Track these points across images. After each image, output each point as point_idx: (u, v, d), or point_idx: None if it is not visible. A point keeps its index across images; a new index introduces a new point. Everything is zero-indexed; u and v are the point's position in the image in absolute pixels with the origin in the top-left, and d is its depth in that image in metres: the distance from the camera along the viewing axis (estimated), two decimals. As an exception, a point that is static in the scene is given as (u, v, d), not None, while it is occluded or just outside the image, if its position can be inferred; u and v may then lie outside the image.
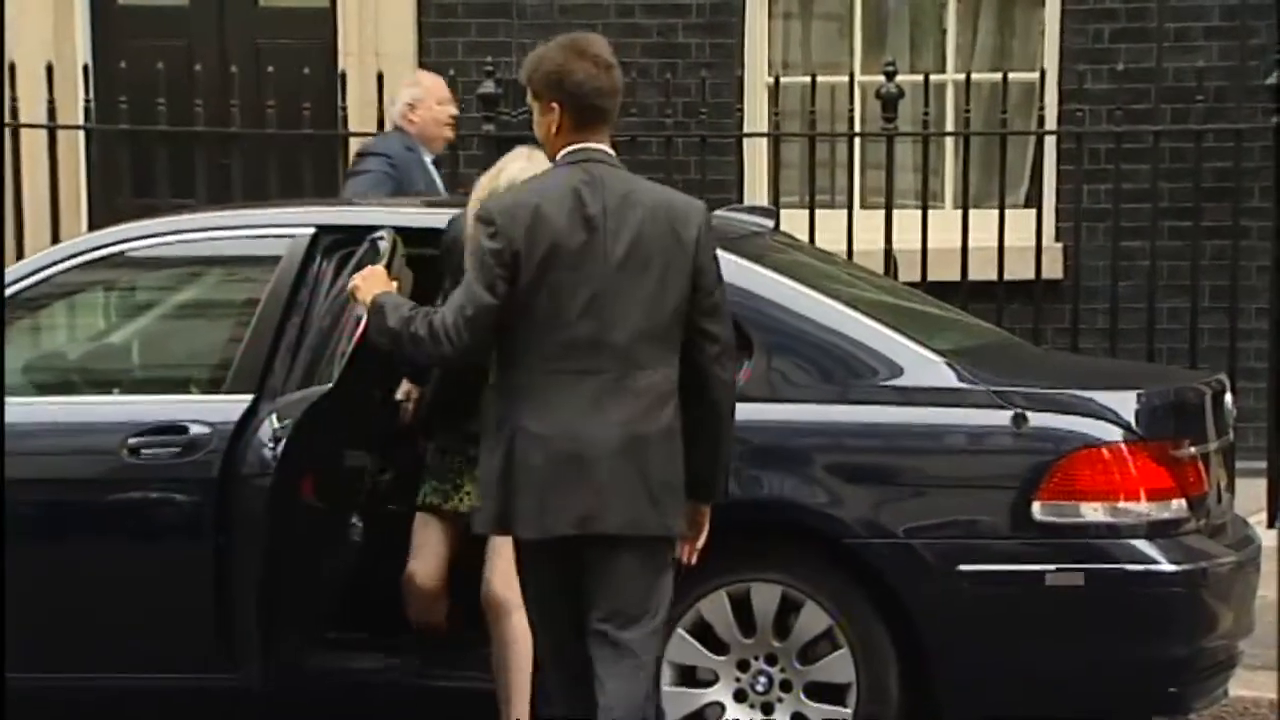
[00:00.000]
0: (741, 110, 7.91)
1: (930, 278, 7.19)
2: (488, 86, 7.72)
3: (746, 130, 7.95)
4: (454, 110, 6.93)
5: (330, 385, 4.52)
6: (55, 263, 5.08)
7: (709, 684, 4.72)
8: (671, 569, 4.05)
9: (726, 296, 4.04)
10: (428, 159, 6.75)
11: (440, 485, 4.79)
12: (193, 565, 4.69)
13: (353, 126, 7.69)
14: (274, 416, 4.66)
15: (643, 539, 3.96)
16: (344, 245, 4.86)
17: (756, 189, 8.26)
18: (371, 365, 4.54)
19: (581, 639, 4.02)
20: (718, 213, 5.64)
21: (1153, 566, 4.54)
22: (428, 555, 4.79)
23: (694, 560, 4.11)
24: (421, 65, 8.33)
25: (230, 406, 4.78)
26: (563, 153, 4.03)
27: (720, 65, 8.32)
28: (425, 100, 6.78)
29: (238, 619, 4.64)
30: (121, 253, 5.12)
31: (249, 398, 4.78)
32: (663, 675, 4.66)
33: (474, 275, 3.96)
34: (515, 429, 3.95)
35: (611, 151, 4.04)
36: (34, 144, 7.45)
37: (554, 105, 4.01)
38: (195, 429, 4.77)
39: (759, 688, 4.69)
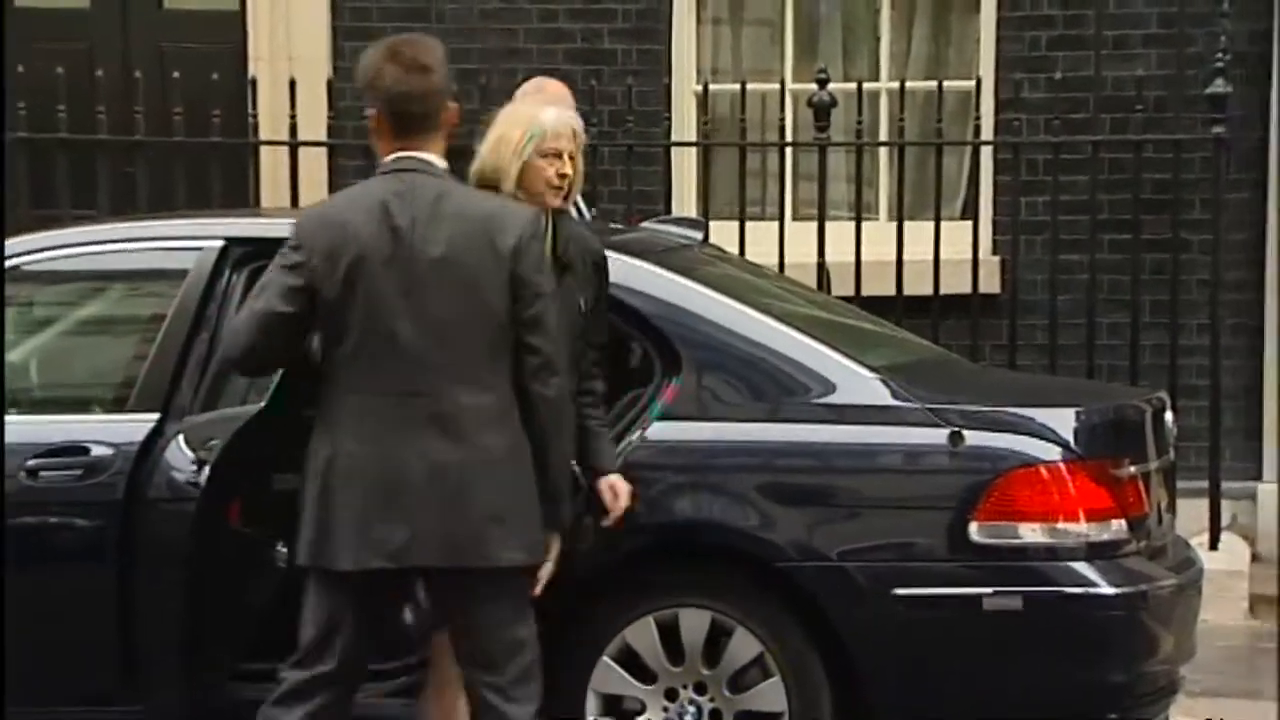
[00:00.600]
0: (669, 119, 7.94)
1: (864, 292, 7.24)
2: (405, 93, 7.72)
3: (674, 139, 7.99)
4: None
5: (262, 405, 4.50)
6: (-51, 277, 5.03)
7: (636, 714, 4.72)
8: (528, 602, 4.00)
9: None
10: None
11: None
12: (95, 593, 4.65)
13: (264, 134, 7.67)
14: (183, 437, 4.63)
15: (474, 571, 3.92)
16: (255, 258, 4.83)
17: (685, 200, 8.29)
18: (305, 386, 4.52)
19: (344, 683, 4.00)
20: (645, 224, 5.69)
21: (1092, 589, 4.58)
22: None
23: (536, 593, 4.06)
24: (335, 71, 8.32)
25: (134, 426, 4.74)
26: (385, 160, 4.04)
27: (647, 72, 8.35)
28: None
29: (146, 648, 4.60)
30: (18, 267, 5.07)
31: (154, 417, 4.75)
32: (588, 705, 4.67)
33: (269, 282, 4.00)
34: (333, 454, 3.93)
35: (434, 159, 4.02)
36: (-74, 152, 7.37)
37: (373, 110, 4.04)
38: (97, 450, 4.73)
39: (688, 717, 4.69)
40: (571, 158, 4.56)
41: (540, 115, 4.60)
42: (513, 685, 3.98)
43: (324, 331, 3.95)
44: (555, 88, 6.76)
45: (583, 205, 6.62)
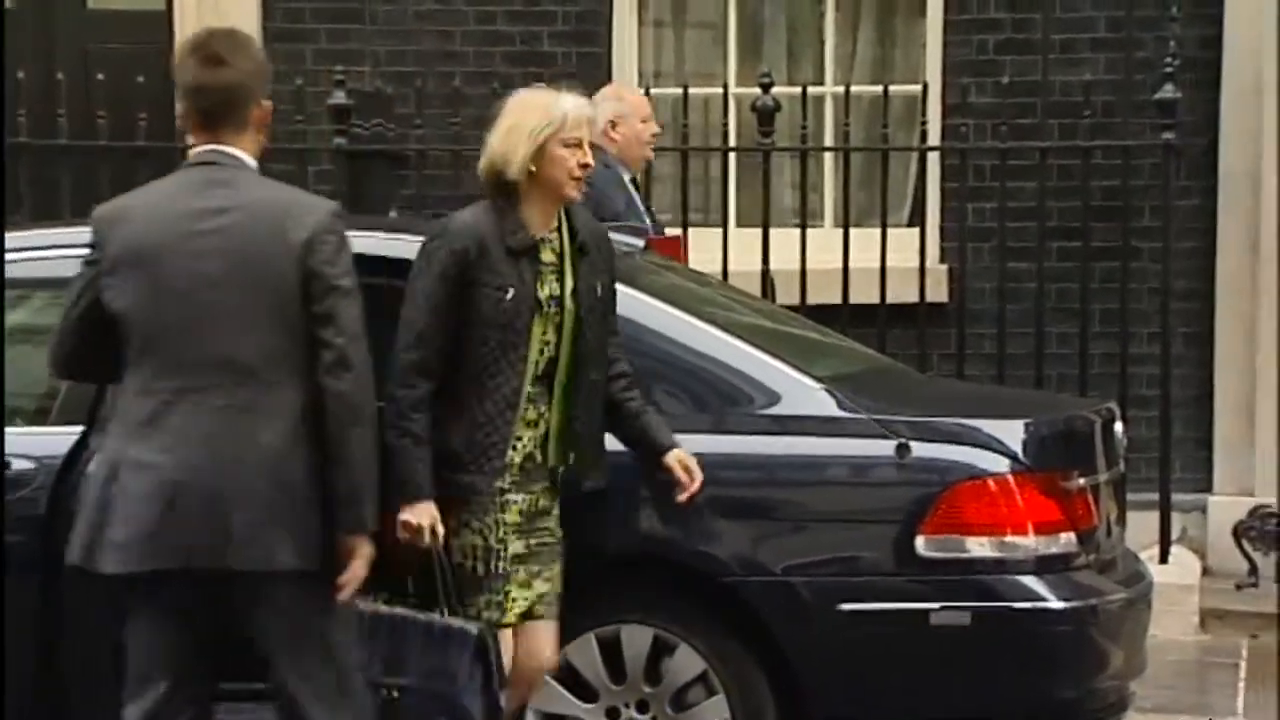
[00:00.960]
0: (610, 123, 7.95)
1: (809, 300, 7.26)
2: (338, 97, 7.70)
3: (615, 144, 7.99)
4: (656, 129, 6.75)
5: None
6: None
7: (576, 733, 4.72)
8: (325, 610, 3.94)
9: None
10: (626, 178, 6.54)
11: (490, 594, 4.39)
12: (16, 612, 4.61)
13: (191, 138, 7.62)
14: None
15: (252, 575, 3.88)
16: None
17: (625, 206, 8.29)
18: None
19: (193, 698, 3.97)
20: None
21: (1041, 604, 4.61)
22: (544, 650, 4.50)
23: (343, 597, 3.95)
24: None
25: (57, 439, 4.71)
26: (191, 154, 4.07)
27: (587, 75, 8.33)
28: (629, 117, 6.57)
29: (70, 668, 4.56)
30: (-64, 274, 5.03)
31: (78, 430, 4.72)
32: (527, 725, 4.67)
33: (71, 284, 4.03)
34: (116, 454, 3.94)
35: (239, 154, 4.03)
36: None
37: (180, 104, 4.08)
38: (18, 464, 4.70)
39: (630, 737, 4.70)
40: (592, 147, 4.47)
41: (560, 101, 4.45)
42: (320, 698, 3.94)
43: (119, 330, 3.95)
44: (635, 96, 6.79)
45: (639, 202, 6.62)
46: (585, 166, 4.44)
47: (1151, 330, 7.68)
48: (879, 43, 8.65)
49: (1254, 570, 7.74)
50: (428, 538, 4.30)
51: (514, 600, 4.40)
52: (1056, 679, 4.66)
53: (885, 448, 4.64)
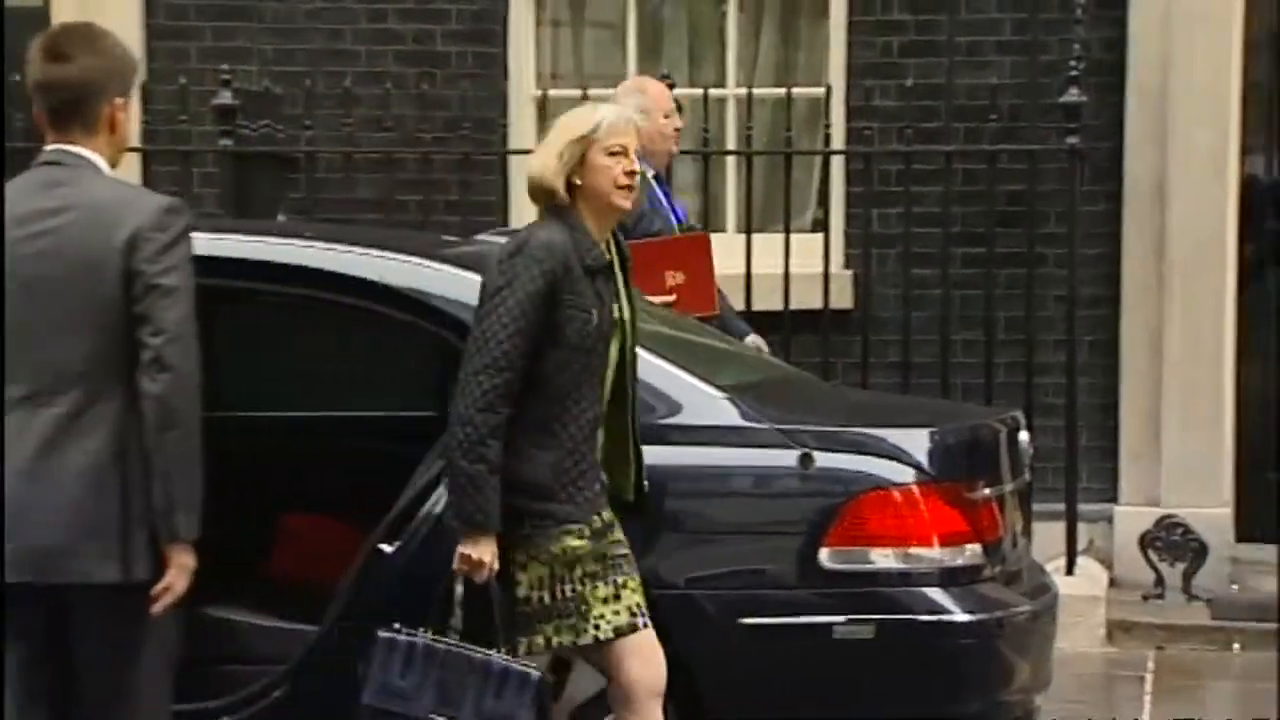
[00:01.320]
0: (506, 125, 7.95)
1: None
2: (224, 97, 7.65)
3: (512, 148, 8.00)
4: (680, 123, 6.69)
5: None
6: None
7: (472, 753, 4.70)
8: (142, 629, 3.92)
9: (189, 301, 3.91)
10: (649, 174, 6.46)
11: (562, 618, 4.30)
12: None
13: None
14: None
15: (73, 589, 3.87)
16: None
17: (524, 211, 8.29)
18: None
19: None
20: (480, 236, 5.68)
21: (945, 616, 4.64)
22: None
23: (157, 610, 3.91)
24: (150, 73, 8.22)
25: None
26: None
27: (483, 76, 8.35)
28: (651, 111, 6.47)
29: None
30: None
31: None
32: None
33: None
34: None
35: (85, 153, 4.02)
36: None
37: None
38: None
39: (527, 756, 4.69)
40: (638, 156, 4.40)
41: (595, 111, 4.42)
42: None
43: None
44: (657, 89, 6.75)
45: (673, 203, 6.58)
46: (632, 174, 4.37)
47: (1057, 338, 7.77)
48: (782, 44, 8.70)
49: (1160, 581, 7.85)
50: (485, 574, 4.24)
51: (602, 618, 4.32)
52: (961, 692, 4.70)
53: (788, 458, 4.66)
